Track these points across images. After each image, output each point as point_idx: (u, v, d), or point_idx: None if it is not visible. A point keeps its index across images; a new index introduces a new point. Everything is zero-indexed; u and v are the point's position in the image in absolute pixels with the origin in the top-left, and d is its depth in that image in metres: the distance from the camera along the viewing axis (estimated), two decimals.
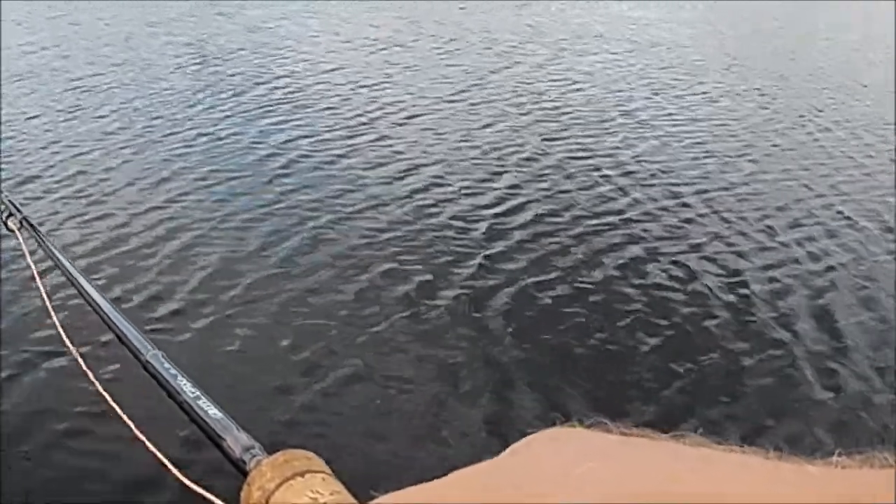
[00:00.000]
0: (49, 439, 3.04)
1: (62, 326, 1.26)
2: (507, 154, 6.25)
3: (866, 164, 6.36)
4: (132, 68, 8.68)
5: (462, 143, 6.50)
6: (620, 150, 6.42)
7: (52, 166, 5.85)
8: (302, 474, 0.58)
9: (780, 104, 7.92)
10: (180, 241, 4.68)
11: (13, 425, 3.11)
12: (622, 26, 11.66)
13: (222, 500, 0.63)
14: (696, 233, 4.97)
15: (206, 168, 5.85)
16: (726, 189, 5.71)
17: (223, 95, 7.73)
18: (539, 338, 3.79)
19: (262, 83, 8.17)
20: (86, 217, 5.00)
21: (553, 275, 4.36)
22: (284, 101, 7.58)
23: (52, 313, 1.31)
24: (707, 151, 6.50)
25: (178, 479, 0.73)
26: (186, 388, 0.76)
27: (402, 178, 5.68)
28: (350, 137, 6.58)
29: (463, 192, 5.49)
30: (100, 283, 3.91)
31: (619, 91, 8.20)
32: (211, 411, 0.72)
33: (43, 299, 1.41)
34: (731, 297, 4.20)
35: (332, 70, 8.81)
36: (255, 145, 6.37)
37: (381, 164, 5.95)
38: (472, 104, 7.63)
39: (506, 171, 5.87)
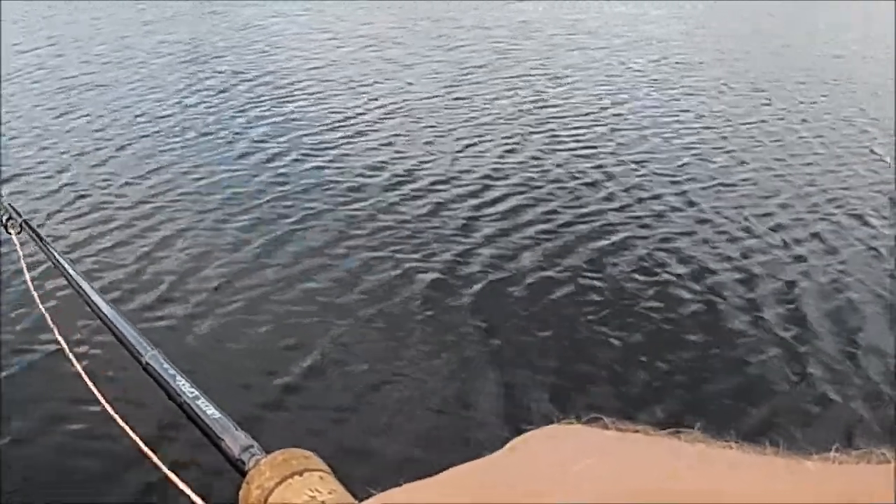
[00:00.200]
0: (49, 440, 3.04)
1: (58, 328, 1.26)
2: (501, 149, 6.24)
3: (868, 164, 6.35)
4: (126, 67, 8.67)
5: (452, 136, 6.49)
6: (621, 150, 6.41)
7: (48, 166, 5.84)
8: (300, 473, 0.58)
9: (780, 104, 7.90)
10: (180, 241, 4.68)
11: (13, 426, 3.11)
12: (621, 26, 11.66)
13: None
14: (704, 231, 4.94)
15: (205, 169, 5.84)
16: (729, 187, 5.70)
17: (223, 95, 7.72)
18: (538, 336, 3.79)
19: (261, 83, 8.18)
20: (85, 217, 5.00)
21: (552, 272, 4.36)
22: (284, 100, 7.59)
23: (47, 317, 1.31)
24: (703, 148, 6.49)
25: (179, 479, 0.74)
26: (185, 388, 0.77)
27: (402, 178, 5.67)
28: (342, 130, 6.64)
29: (454, 185, 5.50)
30: (98, 284, 3.91)
31: (619, 90, 8.20)
32: (209, 411, 0.73)
33: (41, 301, 1.41)
34: (734, 296, 4.19)
35: (323, 66, 8.83)
36: (257, 144, 6.36)
37: (381, 166, 5.93)
38: (463, 98, 7.66)
39: (501, 167, 5.87)
